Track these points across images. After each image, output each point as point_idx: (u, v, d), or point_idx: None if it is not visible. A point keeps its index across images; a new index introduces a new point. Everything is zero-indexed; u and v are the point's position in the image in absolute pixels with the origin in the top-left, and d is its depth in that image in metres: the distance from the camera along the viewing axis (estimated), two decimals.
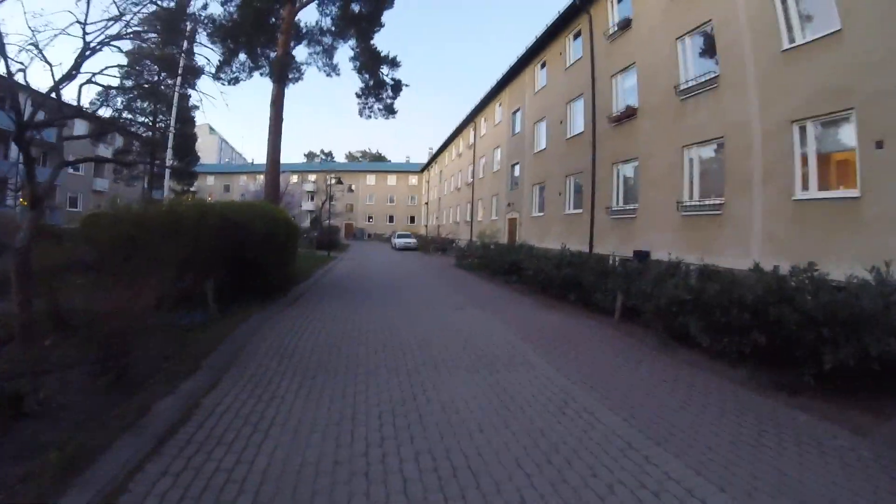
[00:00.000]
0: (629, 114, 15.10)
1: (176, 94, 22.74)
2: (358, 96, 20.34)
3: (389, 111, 20.55)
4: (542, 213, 22.04)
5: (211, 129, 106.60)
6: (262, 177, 50.66)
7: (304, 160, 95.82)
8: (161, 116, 32.64)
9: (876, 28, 8.39)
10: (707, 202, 11.74)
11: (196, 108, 35.62)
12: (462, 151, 41.90)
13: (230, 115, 69.52)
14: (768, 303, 6.13)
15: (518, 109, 26.61)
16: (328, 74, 20.43)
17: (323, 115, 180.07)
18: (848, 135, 8.96)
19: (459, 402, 4.76)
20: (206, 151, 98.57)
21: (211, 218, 8.83)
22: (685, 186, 12.58)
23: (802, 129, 9.66)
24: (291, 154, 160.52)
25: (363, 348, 6.73)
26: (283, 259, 10.60)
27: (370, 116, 20.64)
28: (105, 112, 32.91)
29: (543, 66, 23.33)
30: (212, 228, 8.63)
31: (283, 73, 17.32)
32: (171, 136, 21.52)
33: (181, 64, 21.80)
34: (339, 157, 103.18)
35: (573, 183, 19.20)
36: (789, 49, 9.92)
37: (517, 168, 26.08)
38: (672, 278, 9.24)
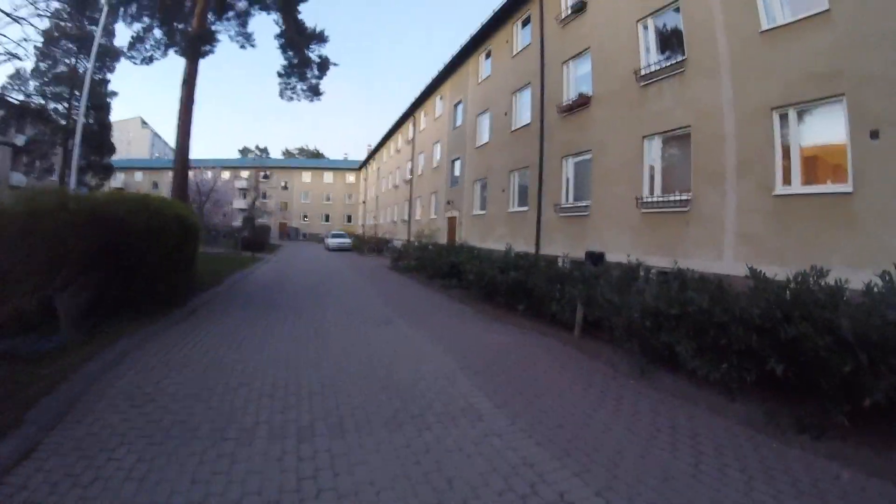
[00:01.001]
0: (582, 102, 13.71)
1: (88, 75, 19.64)
2: (280, 75, 17.84)
3: (314, 92, 18.14)
4: (484, 212, 20.39)
5: (143, 122, 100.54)
6: (191, 172, 47.19)
7: (239, 156, 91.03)
8: (77, 103, 29.13)
9: (870, 7, 7.29)
10: (672, 198, 10.39)
11: (114, 94, 31.68)
12: (400, 147, 39.94)
13: (168, 110, 64.76)
14: (777, 319, 4.70)
15: (460, 101, 24.98)
16: (242, 46, 17.70)
17: (259, 110, 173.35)
18: (837, 123, 7.77)
19: (369, 496, 2.90)
20: (138, 145, 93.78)
21: (74, 213, 6.57)
22: (645, 181, 11.22)
23: (784, 117, 8.48)
24: (224, 150, 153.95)
25: (245, 391, 4.66)
26: (177, 263, 8.27)
27: (292, 98, 18.14)
28: (17, 97, 29.33)
29: (488, 55, 21.80)
30: (71, 225, 6.41)
31: (197, 46, 14.78)
32: (79, 122, 18.35)
33: (96, 43, 18.93)
34: (276, 154, 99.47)
35: (518, 178, 17.68)
36: (769, 30, 8.74)
37: (458, 164, 24.40)
38: (635, 285, 7.90)
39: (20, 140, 31.85)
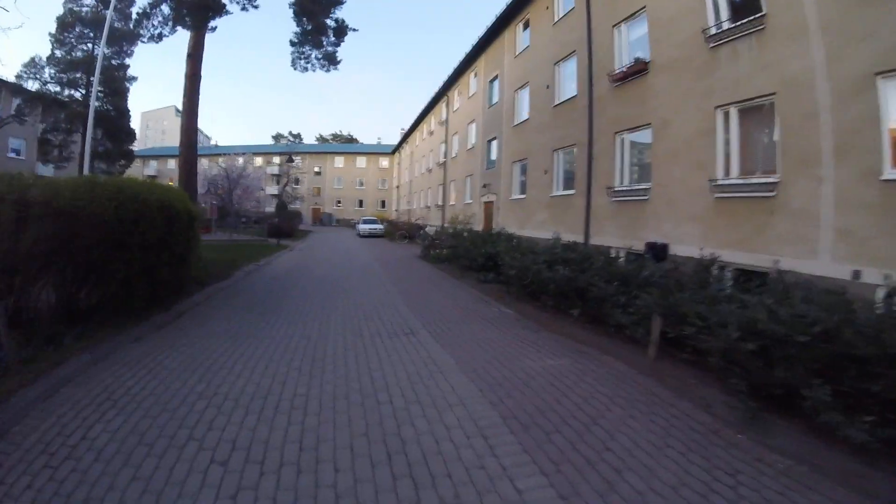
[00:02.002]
0: (638, 69, 12.02)
1: (99, 58, 18.97)
2: (293, 44, 16.59)
3: (330, 61, 16.71)
4: (523, 196, 18.88)
5: (178, 111, 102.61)
6: (221, 159, 46.95)
7: (272, 143, 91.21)
8: (97, 90, 28.88)
9: None
10: (752, 181, 8.76)
11: (133, 79, 31.12)
12: (434, 129, 38.52)
13: (207, 99, 64.99)
14: None
15: (495, 77, 23.35)
16: (244, 8, 16.34)
17: (293, 98, 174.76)
18: None
19: None
20: (173, 134, 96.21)
21: (15, 204, 5.51)
22: (719, 160, 9.56)
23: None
24: (257, 136, 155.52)
25: (190, 452, 3.37)
26: (160, 258, 7.18)
27: (307, 68, 16.83)
28: (33, 85, 29.18)
29: (526, 25, 20.11)
30: (15, 220, 5.41)
31: (200, 15, 13.68)
32: (91, 107, 17.69)
33: (107, 24, 18.18)
34: (310, 140, 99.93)
35: (563, 159, 16.12)
36: None
37: (494, 144, 22.86)
38: (712, 288, 6.40)
39: (36, 129, 31.95)
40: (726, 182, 9.24)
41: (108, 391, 4.42)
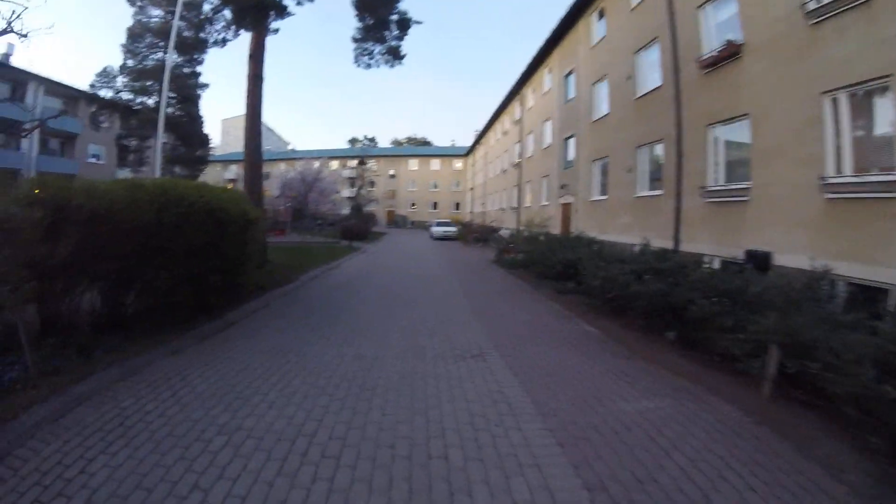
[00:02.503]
0: (730, 53, 10.92)
1: (168, 65, 20.05)
2: (355, 40, 16.33)
3: (394, 55, 16.20)
4: (604, 197, 17.96)
5: None
6: (299, 163, 48.66)
7: (348, 146, 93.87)
8: (167, 96, 30.57)
9: None
10: (870, 179, 7.62)
11: (205, 86, 32.65)
12: (508, 129, 37.94)
13: (278, 106, 68.72)
14: None
15: (570, 72, 22.46)
16: (299, 2, 15.59)
17: (369, 103, 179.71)
18: None
19: None
20: None
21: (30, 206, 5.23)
22: (829, 154, 8.41)
23: None
24: (334, 140, 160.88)
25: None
26: (208, 264, 7.04)
27: (370, 65, 16.40)
28: (106, 94, 31.44)
29: (601, 14, 19.18)
30: (34, 226, 5.19)
31: (262, 14, 13.84)
32: (161, 113, 18.75)
33: (173, 31, 19.16)
34: (384, 144, 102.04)
35: (648, 155, 15.12)
36: None
37: (572, 142, 21.99)
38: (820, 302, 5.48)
39: (109, 135, 34.41)
40: (838, 180, 8.11)
41: (122, 416, 4.12)
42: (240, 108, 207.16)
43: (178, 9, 18.26)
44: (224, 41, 17.04)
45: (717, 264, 10.00)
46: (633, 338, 7.42)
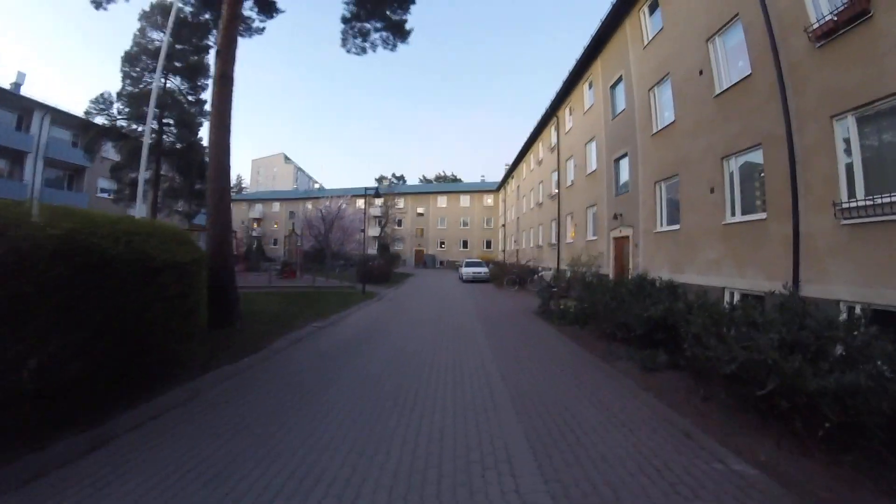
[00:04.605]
0: (856, 13, 7.61)
1: (155, 86, 17.83)
2: (345, 21, 13.27)
3: (396, 31, 13.15)
4: (675, 227, 14.21)
5: (286, 158, 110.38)
6: (329, 201, 46.54)
7: (376, 185, 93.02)
8: (166, 123, 28.60)
9: None
10: None
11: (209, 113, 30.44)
12: (542, 158, 34.78)
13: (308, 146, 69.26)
14: None
15: (619, 80, 19.22)
16: None
17: (397, 143, 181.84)
18: None
19: None
20: (282, 180, 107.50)
21: None
22: None
23: None
24: (362, 179, 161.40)
25: None
26: (78, 336, 4.05)
27: (364, 48, 13.45)
28: (101, 120, 29.51)
29: (654, 7, 16.10)
30: None
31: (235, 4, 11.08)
32: (145, 141, 16.36)
33: (163, 51, 16.86)
34: (413, 181, 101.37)
35: (738, 167, 11.53)
36: None
37: (625, 163, 18.49)
38: None
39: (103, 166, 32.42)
40: None
41: None
42: (272, 146, 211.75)
43: (170, 26, 16.00)
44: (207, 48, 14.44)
45: (857, 313, 6.37)
46: (821, 477, 3.79)
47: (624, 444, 4.69)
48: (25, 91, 35.76)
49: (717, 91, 12.03)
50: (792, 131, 9.32)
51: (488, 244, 67.01)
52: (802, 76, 9.22)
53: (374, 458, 4.29)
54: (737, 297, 10.72)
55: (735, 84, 11.36)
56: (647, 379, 7.02)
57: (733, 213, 11.39)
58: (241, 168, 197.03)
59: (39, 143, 35.08)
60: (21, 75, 36.02)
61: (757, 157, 10.58)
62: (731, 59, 11.84)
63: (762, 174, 10.37)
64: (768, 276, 9.66)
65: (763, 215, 10.19)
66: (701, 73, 12.73)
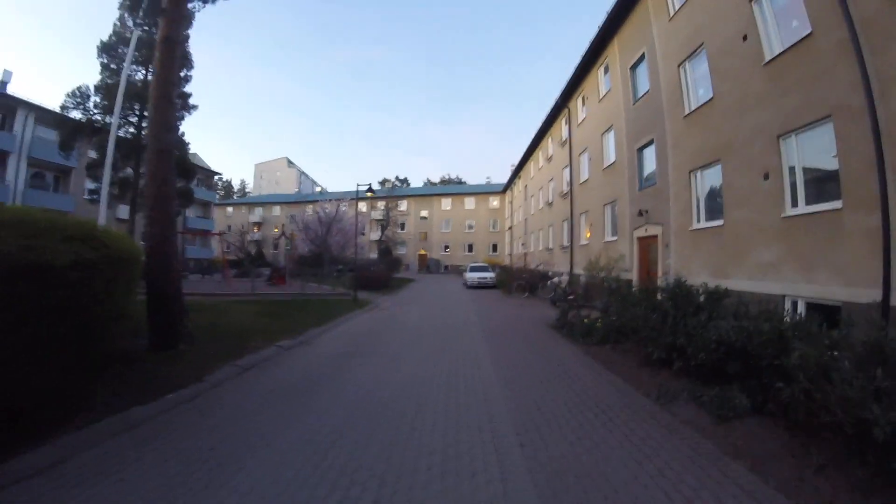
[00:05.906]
0: None
1: (123, 76, 16.28)
2: None
3: None
4: (717, 223, 12.27)
5: (290, 162, 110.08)
6: (329, 204, 45.29)
7: (379, 188, 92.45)
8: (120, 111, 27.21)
9: None
10: None
11: (194, 107, 28.70)
12: (552, 154, 32.97)
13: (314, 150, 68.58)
14: None
15: (640, 59, 17.43)
16: None
17: (401, 146, 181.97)
18: None
19: None
20: (286, 184, 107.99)
21: None
22: None
23: None
24: (366, 183, 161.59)
25: None
26: None
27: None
28: (77, 114, 27.91)
29: None
30: None
31: None
32: (112, 132, 14.90)
33: (133, 37, 15.37)
34: (417, 184, 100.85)
35: (798, 149, 9.69)
36: None
37: (650, 151, 16.71)
38: None
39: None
40: None
41: None
42: (275, 150, 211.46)
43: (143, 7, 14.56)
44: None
45: None
46: None
47: None
48: (11, 90, 34.49)
49: (768, 58, 10.22)
50: (874, 98, 7.56)
51: (494, 247, 65.63)
52: (882, 30, 7.49)
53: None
54: (801, 308, 8.94)
55: (790, 48, 9.57)
56: (726, 434, 4.97)
57: (795, 204, 9.53)
58: (243, 172, 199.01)
59: (23, 142, 34.06)
60: (7, 73, 34.93)
61: (825, 132, 8.77)
62: (781, 21, 10.10)
63: (834, 153, 8.57)
64: (846, 280, 7.87)
65: (837, 204, 8.33)
66: (745, 38, 10.96)
